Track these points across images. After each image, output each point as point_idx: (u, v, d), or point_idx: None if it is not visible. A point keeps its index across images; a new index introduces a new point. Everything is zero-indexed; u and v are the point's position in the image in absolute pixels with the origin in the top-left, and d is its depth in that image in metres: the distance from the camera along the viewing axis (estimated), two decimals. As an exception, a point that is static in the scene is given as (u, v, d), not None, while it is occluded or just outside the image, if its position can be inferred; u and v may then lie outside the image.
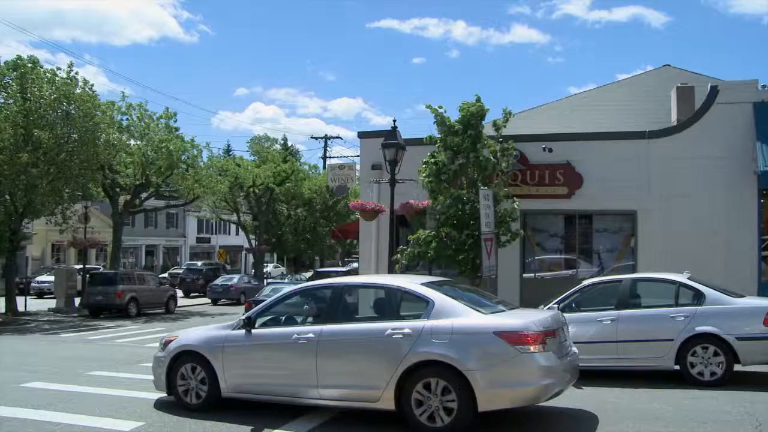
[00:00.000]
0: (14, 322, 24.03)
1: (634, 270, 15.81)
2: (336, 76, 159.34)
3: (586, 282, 12.20)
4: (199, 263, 52.32)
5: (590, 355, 10.41)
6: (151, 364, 9.80)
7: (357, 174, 28.85)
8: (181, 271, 47.81)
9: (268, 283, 32.52)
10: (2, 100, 25.74)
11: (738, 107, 16.25)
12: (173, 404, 9.09)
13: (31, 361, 14.24)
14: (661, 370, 10.88)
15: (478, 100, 14.87)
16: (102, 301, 27.71)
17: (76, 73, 26.52)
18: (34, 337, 20.10)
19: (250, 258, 61.15)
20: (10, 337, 20.22)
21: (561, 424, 8.38)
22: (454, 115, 15.12)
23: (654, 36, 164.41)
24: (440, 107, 15.04)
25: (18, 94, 25.13)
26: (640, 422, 8.14)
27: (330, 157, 58.28)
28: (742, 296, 11.10)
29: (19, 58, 25.84)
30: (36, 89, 25.29)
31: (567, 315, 9.60)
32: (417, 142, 16.23)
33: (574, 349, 8.48)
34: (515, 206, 15.13)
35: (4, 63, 25.66)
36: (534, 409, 8.40)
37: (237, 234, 66.29)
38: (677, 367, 10.62)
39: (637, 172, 16.63)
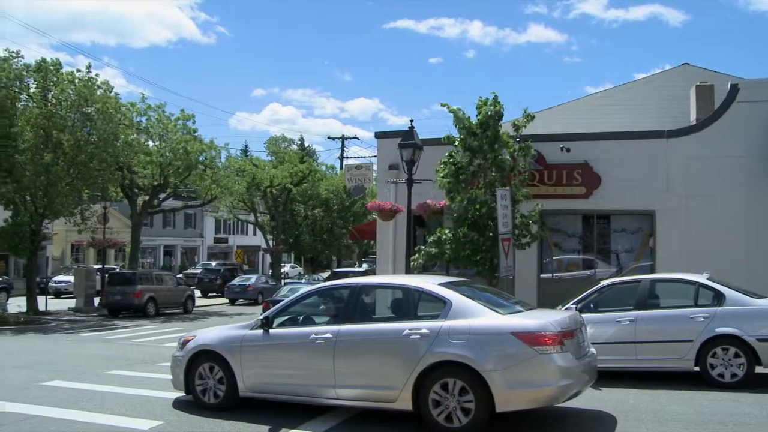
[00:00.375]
0: (35, 322, 24.26)
1: (652, 270, 15.70)
2: (353, 77, 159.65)
3: (604, 282, 12.12)
4: (214, 263, 52.60)
5: (609, 355, 10.35)
6: (169, 364, 9.85)
7: (374, 174, 28.88)
8: (196, 271, 47.98)
9: (285, 284, 32.61)
10: (23, 103, 25.96)
11: (758, 106, 16.09)
12: (191, 403, 9.13)
13: (51, 360, 14.38)
14: (681, 372, 10.79)
15: (496, 99, 14.81)
16: (121, 300, 27.91)
17: (96, 75, 26.78)
18: (54, 336, 20.28)
19: (268, 258, 61.36)
20: (31, 336, 20.42)
21: (579, 425, 8.33)
22: (471, 113, 15.07)
23: (672, 34, 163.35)
24: (459, 109, 14.97)
25: (39, 96, 25.38)
26: (660, 423, 8.09)
27: (347, 158, 58.39)
28: (763, 297, 10.97)
29: (43, 60, 26.11)
30: (58, 91, 25.54)
31: (585, 315, 9.54)
32: (434, 142, 16.20)
33: (593, 349, 8.44)
34: (537, 207, 15.02)
35: (24, 65, 25.89)
36: (552, 409, 8.36)
37: (254, 234, 66.56)
38: (697, 369, 10.53)
39: (655, 171, 16.51)
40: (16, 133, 24.76)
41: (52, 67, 26.02)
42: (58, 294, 37.23)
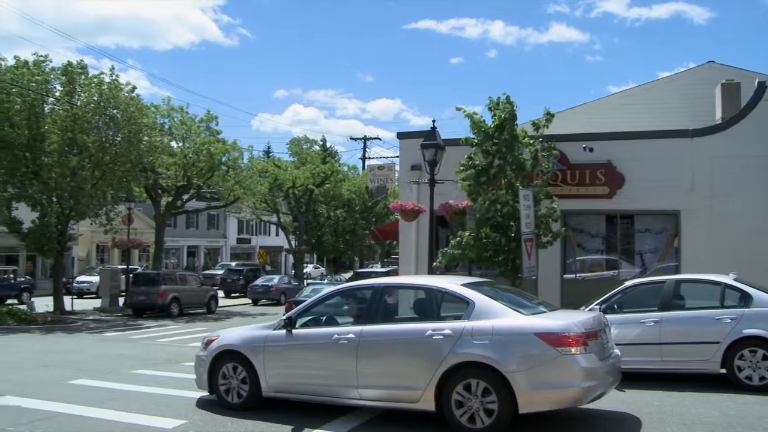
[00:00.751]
0: (62, 321, 24.54)
1: (677, 271, 15.55)
2: (374, 78, 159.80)
3: (628, 283, 12.02)
4: (233, 264, 52.92)
5: (633, 357, 10.27)
6: (192, 364, 9.92)
7: (396, 175, 28.89)
8: (216, 272, 48.19)
9: (307, 284, 32.71)
10: (50, 105, 26.29)
11: (786, 104, 15.86)
12: (215, 403, 9.19)
13: (77, 359, 14.55)
14: (707, 374, 10.66)
15: (508, 100, 14.72)
16: (145, 301, 28.16)
17: (117, 77, 27.03)
18: (80, 336, 20.51)
19: (290, 259, 61.59)
20: (58, 335, 20.67)
21: (603, 427, 8.27)
22: (487, 113, 15.02)
23: (696, 32, 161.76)
24: (474, 113, 14.90)
25: (65, 99, 25.70)
26: (685, 426, 8.01)
27: (369, 158, 58.44)
28: (791, 298, 10.80)
29: (69, 64, 26.43)
30: (84, 94, 25.84)
31: (609, 316, 9.48)
32: (456, 142, 16.16)
33: (617, 351, 8.37)
34: (554, 206, 14.95)
35: (51, 68, 26.22)
36: (575, 411, 8.31)
37: (277, 235, 66.85)
38: (723, 371, 10.39)
39: (680, 171, 16.34)
40: (43, 136, 25.08)
41: (78, 70, 26.33)
42: (80, 294, 37.57)
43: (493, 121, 14.63)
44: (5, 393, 10.18)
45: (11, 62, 25.54)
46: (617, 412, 8.75)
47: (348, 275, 48.44)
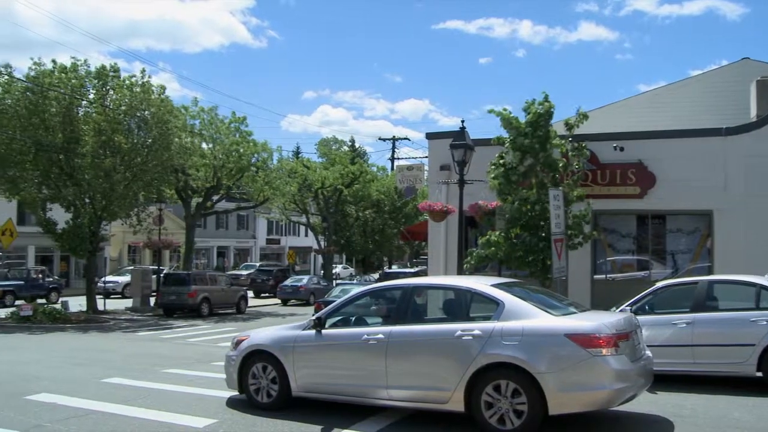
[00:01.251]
0: (94, 320, 24.88)
1: (710, 272, 15.32)
2: (403, 78, 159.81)
3: (660, 284, 11.87)
4: (258, 264, 53.35)
5: (664, 359, 10.13)
6: (223, 363, 9.99)
7: (425, 175, 28.83)
8: (240, 273, 48.48)
9: (336, 284, 32.80)
10: (84, 109, 26.69)
11: (822, 102, 15.57)
12: (245, 402, 9.25)
13: (109, 358, 14.75)
14: (741, 377, 10.47)
15: (546, 99, 14.64)
16: (175, 300, 28.44)
17: (150, 78, 27.38)
18: (113, 335, 20.78)
19: (320, 259, 61.82)
20: (92, 334, 20.97)
21: (634, 430, 8.18)
22: (520, 114, 14.94)
23: (729, 29, 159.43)
24: (505, 109, 14.84)
25: (99, 102, 26.08)
26: (720, 430, 7.90)
27: (398, 159, 58.52)
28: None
29: (103, 67, 26.82)
30: (116, 96, 26.20)
31: (640, 317, 9.37)
32: (485, 142, 16.10)
33: (648, 352, 8.28)
34: (589, 207, 14.79)
35: (86, 71, 26.61)
36: (606, 413, 8.23)
37: (306, 235, 67.13)
38: (759, 374, 10.18)
39: (713, 170, 16.09)
40: (77, 138, 25.48)
41: (111, 73, 26.71)
42: (107, 294, 37.58)
43: (526, 118, 14.55)
44: (41, 390, 10.37)
45: (49, 66, 25.98)
46: (649, 414, 8.66)
47: (375, 276, 48.54)
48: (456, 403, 7.60)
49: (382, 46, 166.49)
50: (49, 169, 25.66)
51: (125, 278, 39.53)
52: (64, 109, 25.20)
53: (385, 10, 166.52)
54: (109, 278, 40.41)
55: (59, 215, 27.77)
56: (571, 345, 7.16)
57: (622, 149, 16.47)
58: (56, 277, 38.06)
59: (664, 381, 10.06)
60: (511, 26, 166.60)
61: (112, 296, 37.64)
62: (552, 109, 14.58)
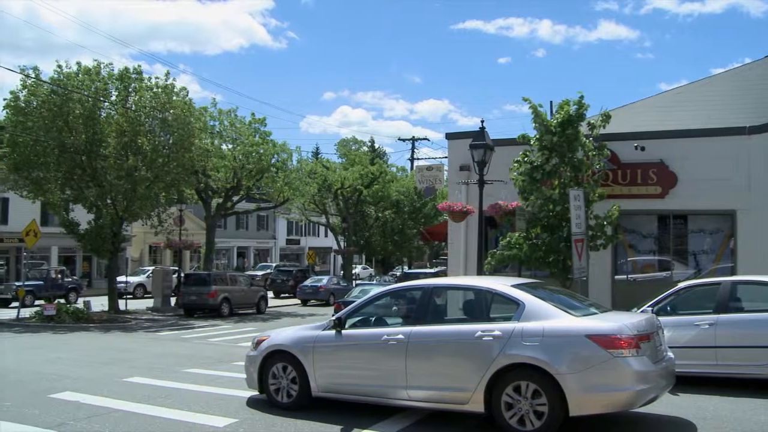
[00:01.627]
0: (116, 320, 25.10)
1: (733, 272, 15.16)
2: (422, 78, 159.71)
3: (682, 284, 11.77)
4: (273, 264, 53.61)
5: (687, 360, 10.03)
6: (243, 363, 10.04)
7: (445, 175, 28.80)
8: (255, 273, 48.65)
9: (356, 285, 32.83)
10: (106, 111, 26.94)
11: None
12: (265, 402, 9.30)
13: (131, 357, 14.88)
14: (766, 380, 10.34)
15: (581, 99, 14.51)
16: (196, 301, 28.60)
17: (174, 80, 27.60)
18: (135, 335, 20.95)
19: (339, 260, 61.91)
20: (114, 334, 21.17)
21: None
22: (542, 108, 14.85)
23: (752, 26, 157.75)
24: (540, 105, 14.74)
25: (122, 103, 26.32)
26: (743, 432, 7.81)
27: (417, 159, 58.43)
28: None
29: (126, 69, 27.08)
30: (138, 98, 26.42)
31: (662, 318, 9.28)
32: (505, 142, 16.05)
33: (670, 354, 8.23)
34: (614, 208, 14.64)
35: (109, 73, 26.85)
36: (628, 414, 8.18)
37: (326, 236, 67.26)
38: (784, 376, 10.07)
39: (736, 169, 15.92)
40: (100, 140, 25.73)
41: (134, 75, 26.96)
42: (119, 295, 37.41)
43: (556, 117, 14.47)
44: (65, 389, 10.50)
45: (74, 68, 26.25)
46: (671, 416, 8.59)
47: (397, 272, 48.49)
48: (476, 404, 7.59)
49: (401, 46, 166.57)
50: (72, 171, 25.96)
51: (136, 278, 39.87)
52: (87, 110, 25.46)
53: (404, 11, 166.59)
54: (121, 278, 40.71)
55: (82, 216, 28.09)
56: (591, 346, 7.13)
57: (643, 149, 16.35)
58: (75, 278, 38.45)
59: (687, 383, 9.97)
60: (531, 26, 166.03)
61: (123, 296, 37.85)
62: (584, 112, 14.48)
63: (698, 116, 19.81)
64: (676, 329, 10.46)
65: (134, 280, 39.53)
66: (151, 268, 41.96)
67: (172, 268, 38.22)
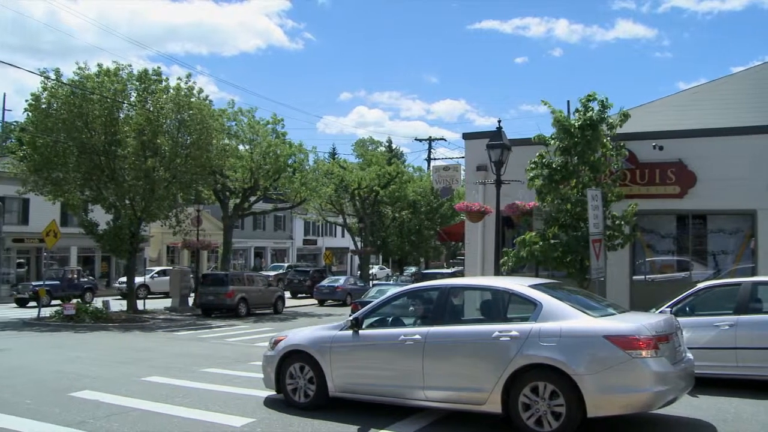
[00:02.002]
0: (134, 320, 25.27)
1: (754, 273, 15.01)
2: (438, 79, 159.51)
3: (701, 285, 11.66)
4: (285, 265, 53.77)
5: (706, 362, 9.95)
6: (260, 363, 10.08)
7: (462, 175, 28.74)
8: (268, 273, 48.77)
9: (373, 285, 32.83)
10: (125, 112, 27.15)
11: None
12: (282, 402, 9.32)
13: (149, 357, 14.97)
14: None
15: (605, 100, 14.38)
16: (213, 301, 28.74)
17: (194, 82, 27.77)
18: (153, 335, 21.08)
19: (356, 260, 61.96)
20: (133, 333, 21.33)
21: (676, 433, 8.06)
22: (562, 107, 14.76)
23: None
24: (561, 111, 14.65)
25: (141, 104, 26.51)
26: (764, 434, 7.74)
27: (434, 159, 58.23)
28: None
29: (146, 71, 27.28)
30: (157, 99, 26.60)
31: (681, 319, 9.20)
32: (522, 142, 15.99)
33: (689, 355, 8.16)
34: (633, 208, 14.53)
35: (128, 74, 27.05)
36: (646, 416, 8.13)
37: (343, 236, 67.33)
38: (806, 378, 9.95)
39: (756, 168, 15.75)
40: (119, 140, 25.94)
41: (153, 77, 27.15)
42: (123, 295, 36.94)
43: (577, 119, 14.37)
44: (85, 387, 10.60)
45: (93, 70, 26.49)
46: (690, 418, 8.52)
47: (411, 270, 48.38)
48: (493, 405, 7.57)
49: (418, 46, 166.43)
50: (91, 171, 26.17)
51: (139, 279, 39.99)
52: (106, 111, 25.67)
53: (421, 11, 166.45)
54: (123, 279, 40.84)
55: (100, 216, 28.34)
56: (609, 346, 7.09)
57: (661, 148, 16.23)
58: (91, 277, 38.73)
59: (706, 384, 9.88)
60: (547, 25, 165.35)
61: (125, 297, 38.01)
62: (605, 115, 14.38)
63: (717, 115, 19.64)
64: (696, 330, 10.37)
65: (137, 280, 39.63)
66: (156, 268, 42.20)
67: (187, 267, 38.37)
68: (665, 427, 8.21)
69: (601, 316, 7.78)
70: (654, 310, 10.77)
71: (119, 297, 33.65)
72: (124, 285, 38.70)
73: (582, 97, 14.69)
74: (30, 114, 25.95)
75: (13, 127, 44.63)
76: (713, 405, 9.22)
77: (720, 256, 16.41)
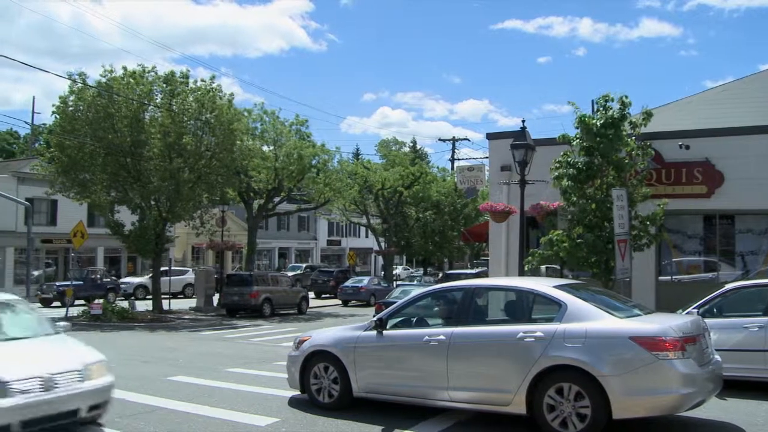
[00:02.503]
0: (161, 320, 25.49)
1: (783, 273, 14.79)
2: (462, 79, 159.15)
3: (729, 286, 11.51)
4: (303, 265, 54.02)
5: (735, 364, 9.81)
6: (284, 363, 10.12)
7: (486, 176, 28.64)
8: (286, 273, 48.92)
9: (397, 285, 32.82)
10: (150, 114, 27.38)
11: None
12: (306, 402, 9.35)
13: (175, 356, 15.10)
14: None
15: (624, 98, 14.28)
16: (238, 301, 28.90)
17: (218, 85, 27.95)
18: (178, 335, 21.25)
19: (380, 260, 61.97)
20: (158, 333, 21.53)
21: (703, 436, 7.97)
22: (585, 106, 14.68)
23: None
24: (585, 115, 14.55)
25: (166, 106, 26.74)
26: (794, 437, 7.62)
27: (458, 159, 58.02)
28: None
29: (172, 73, 27.52)
30: (180, 100, 26.81)
31: (708, 321, 9.08)
32: (546, 142, 15.89)
33: (717, 357, 8.05)
34: (661, 207, 14.38)
35: (155, 76, 27.28)
36: (673, 418, 8.04)
37: (366, 237, 67.38)
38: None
39: (786, 168, 15.50)
40: (144, 142, 26.19)
41: (180, 79, 27.37)
42: (126, 296, 36.04)
43: (598, 118, 14.27)
44: (110, 387, 10.67)
45: (119, 72, 26.76)
46: (719, 421, 8.41)
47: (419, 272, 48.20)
48: (517, 406, 7.54)
49: (441, 47, 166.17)
50: (117, 172, 26.44)
51: (137, 279, 40.33)
52: (132, 113, 25.93)
53: (443, 12, 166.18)
54: (126, 279, 41.14)
55: (126, 217, 28.63)
56: (635, 348, 7.03)
57: (687, 147, 16.05)
58: (114, 278, 39.12)
59: (735, 387, 9.75)
60: (571, 24, 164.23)
61: (126, 298, 38.24)
62: (627, 113, 14.27)
63: (745, 113, 19.37)
64: (724, 332, 10.23)
65: (135, 280, 40.08)
66: (205, 268, 42.44)
67: (212, 268, 38.61)
68: (693, 431, 8.12)
69: (627, 317, 7.71)
70: (681, 311, 10.65)
71: (122, 298, 33.98)
72: (123, 285, 39.15)
73: (599, 98, 14.60)
74: (58, 116, 26.30)
75: (41, 129, 45.25)
76: (743, 408, 9.10)
77: (748, 256, 16.19)
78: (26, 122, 68.35)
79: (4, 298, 9.06)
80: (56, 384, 7.22)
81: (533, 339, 7.50)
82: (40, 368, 7.26)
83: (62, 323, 9.72)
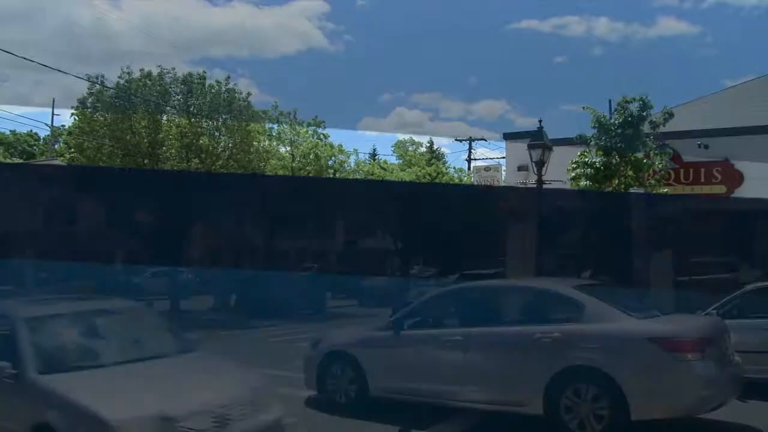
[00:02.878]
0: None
1: (804, 274, 14.61)
2: (478, 79, 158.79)
3: (750, 286, 11.39)
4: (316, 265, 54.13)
5: (756, 365, 9.68)
6: (301, 363, 10.11)
7: (503, 176, 28.56)
8: None
9: (413, 285, 32.68)
10: (168, 115, 27.52)
11: None
12: (323, 402, 9.32)
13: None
14: None
15: (645, 98, 14.20)
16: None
17: (235, 84, 28.05)
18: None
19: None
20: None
21: (723, 439, 7.88)
22: (602, 107, 14.62)
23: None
24: (602, 116, 14.49)
25: (184, 107, 26.88)
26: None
27: (474, 159, 57.81)
28: None
29: (190, 74, 27.67)
30: (199, 102, 26.93)
31: (728, 322, 9.00)
32: (563, 142, 15.82)
33: (738, 358, 7.96)
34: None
35: (173, 78, 27.42)
36: (693, 421, 7.95)
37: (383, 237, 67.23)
38: None
39: (807, 167, 15.34)
40: (161, 143, 26.32)
41: (197, 80, 27.48)
42: None
43: (616, 118, 14.21)
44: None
45: (137, 74, 26.94)
46: (740, 424, 8.29)
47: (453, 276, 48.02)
48: (534, 406, 7.50)
49: (457, 47, 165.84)
50: (135, 173, 26.60)
51: None
52: (149, 114, 26.07)
53: (459, 12, 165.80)
54: None
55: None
56: (654, 349, 6.98)
57: (706, 147, 15.92)
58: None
59: (757, 389, 9.62)
60: (587, 24, 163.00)
61: None
62: (645, 114, 14.19)
63: (765, 112, 19.18)
64: (745, 333, 10.08)
65: None
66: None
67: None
68: (713, 433, 8.04)
69: (645, 317, 7.66)
70: (700, 312, 10.55)
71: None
72: None
73: (620, 99, 14.55)
74: (77, 118, 26.50)
75: (61, 130, 45.65)
76: (764, 411, 8.97)
77: (769, 256, 16.04)
78: (46, 124, 69.01)
79: (127, 304, 7.73)
80: (228, 419, 5.73)
81: (551, 339, 7.46)
82: (204, 398, 5.80)
83: (191, 335, 7.77)
